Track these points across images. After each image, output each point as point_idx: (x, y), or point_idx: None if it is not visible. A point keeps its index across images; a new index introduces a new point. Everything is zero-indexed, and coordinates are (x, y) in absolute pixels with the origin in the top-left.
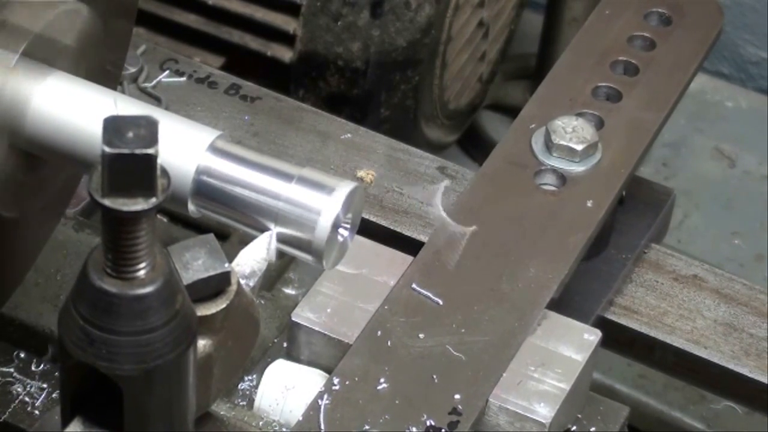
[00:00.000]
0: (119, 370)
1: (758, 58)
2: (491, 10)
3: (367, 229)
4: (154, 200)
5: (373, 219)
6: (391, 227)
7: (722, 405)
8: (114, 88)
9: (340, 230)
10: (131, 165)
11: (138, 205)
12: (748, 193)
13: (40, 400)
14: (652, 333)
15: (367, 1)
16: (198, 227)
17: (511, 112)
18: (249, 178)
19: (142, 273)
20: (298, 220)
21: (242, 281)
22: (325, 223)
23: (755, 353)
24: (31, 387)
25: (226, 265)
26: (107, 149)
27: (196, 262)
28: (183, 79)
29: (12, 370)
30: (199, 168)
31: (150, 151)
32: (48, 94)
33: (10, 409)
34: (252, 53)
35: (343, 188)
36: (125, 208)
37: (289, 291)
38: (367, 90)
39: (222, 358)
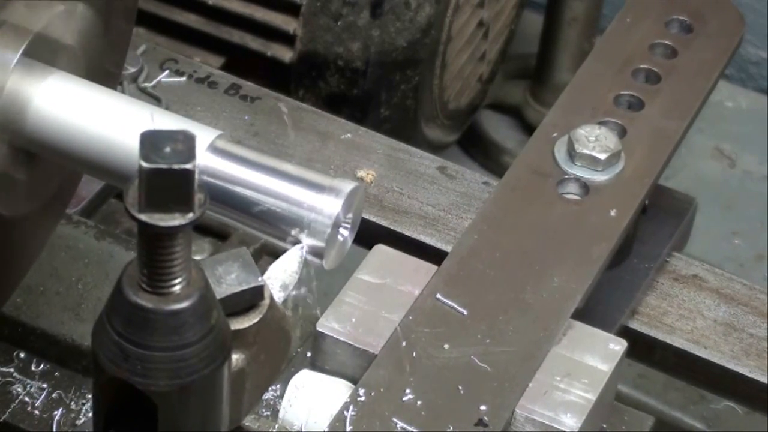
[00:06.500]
0: (154, 385)
1: (758, 58)
2: (491, 10)
3: (367, 229)
4: (191, 215)
5: (373, 219)
6: (391, 227)
7: (722, 405)
8: (114, 88)
9: (341, 230)
10: (169, 180)
11: (175, 220)
12: (748, 193)
13: (40, 400)
14: (652, 333)
15: (367, 1)
16: (198, 227)
17: (511, 112)
18: (249, 177)
19: (177, 288)
20: (299, 220)
21: (274, 294)
22: (325, 223)
23: (755, 353)
24: (31, 387)
25: (260, 278)
26: (145, 164)
27: (229, 276)
28: (183, 79)
29: (12, 370)
30: (198, 168)
31: (188, 166)
32: (48, 94)
33: (10, 409)
34: (252, 53)
35: (343, 188)
36: (162, 224)
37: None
38: (367, 90)
39: (254, 372)
